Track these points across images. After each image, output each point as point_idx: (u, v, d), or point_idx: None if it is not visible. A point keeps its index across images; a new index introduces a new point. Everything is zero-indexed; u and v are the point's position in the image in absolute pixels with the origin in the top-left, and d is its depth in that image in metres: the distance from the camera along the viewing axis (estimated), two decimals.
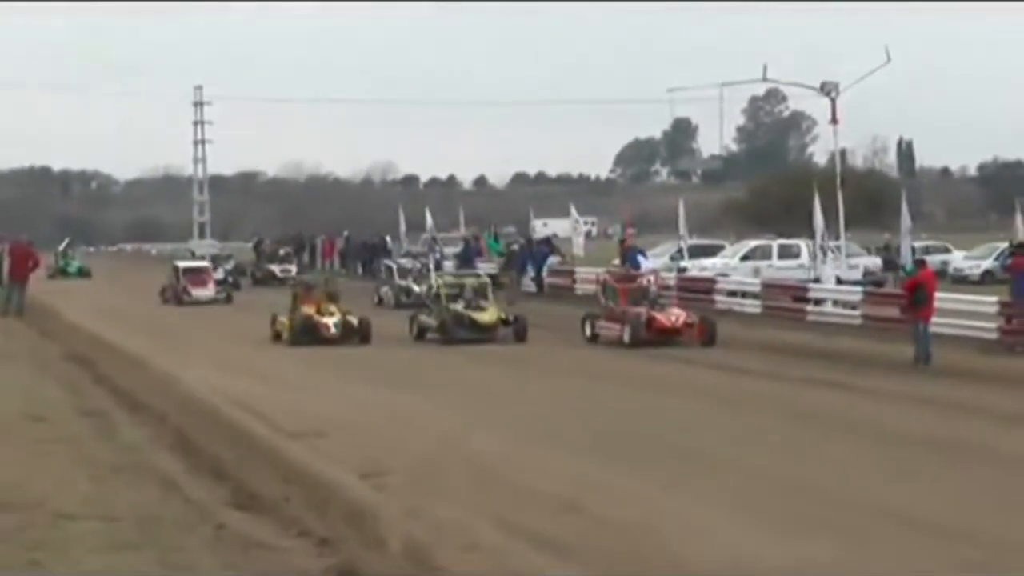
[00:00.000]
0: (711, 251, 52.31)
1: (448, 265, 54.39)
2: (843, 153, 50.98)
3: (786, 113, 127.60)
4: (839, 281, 41.04)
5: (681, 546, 12.54)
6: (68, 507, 14.57)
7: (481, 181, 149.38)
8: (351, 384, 28.06)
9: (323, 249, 76.38)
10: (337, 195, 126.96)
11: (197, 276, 50.25)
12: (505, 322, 33.85)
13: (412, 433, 20.49)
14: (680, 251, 49.25)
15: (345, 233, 78.46)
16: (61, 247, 77.96)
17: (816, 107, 46.60)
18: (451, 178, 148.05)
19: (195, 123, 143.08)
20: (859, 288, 39.77)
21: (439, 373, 28.83)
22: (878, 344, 31.82)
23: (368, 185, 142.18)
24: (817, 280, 41.72)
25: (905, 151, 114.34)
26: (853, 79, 42.98)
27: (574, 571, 11.84)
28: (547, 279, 50.89)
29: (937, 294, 30.73)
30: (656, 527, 13.60)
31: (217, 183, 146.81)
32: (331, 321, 32.75)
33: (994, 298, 33.98)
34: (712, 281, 46.04)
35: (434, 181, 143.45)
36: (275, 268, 65.66)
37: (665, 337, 31.10)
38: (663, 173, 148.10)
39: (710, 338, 31.19)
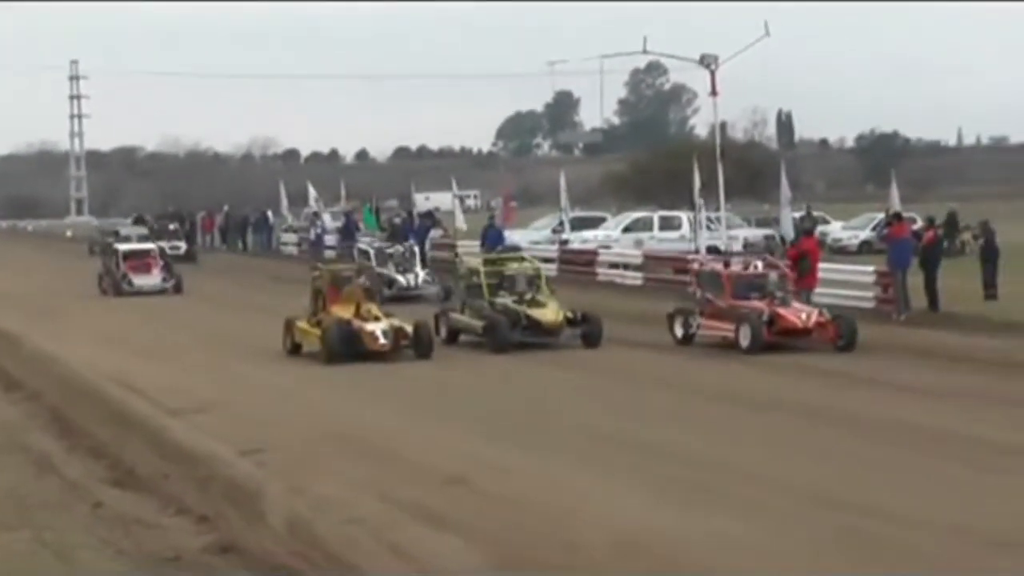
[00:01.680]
0: (593, 223, 52.94)
1: (329, 239, 56.38)
2: (723, 125, 52.14)
3: (667, 86, 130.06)
4: (717, 251, 41.42)
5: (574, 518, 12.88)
6: None
7: (363, 155, 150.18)
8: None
9: (203, 225, 75.31)
10: (217, 170, 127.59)
11: (140, 261, 41.47)
12: (571, 321, 26.15)
13: (297, 411, 20.57)
14: (562, 224, 49.92)
15: (225, 208, 78.35)
16: None
17: (697, 80, 47.79)
18: (333, 152, 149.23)
19: (71, 97, 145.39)
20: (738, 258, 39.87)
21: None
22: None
23: (249, 160, 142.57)
24: (697, 251, 41.83)
25: (784, 123, 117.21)
26: (733, 52, 44.54)
27: (446, 541, 12.29)
28: (429, 252, 50.07)
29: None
30: (538, 500, 14.05)
31: (94, 159, 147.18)
32: (378, 328, 23.60)
33: (871, 268, 35.06)
34: (594, 253, 46.51)
35: (316, 155, 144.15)
36: (164, 245, 57.13)
37: (791, 339, 24.38)
38: (545, 146, 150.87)
39: (848, 341, 24.13)
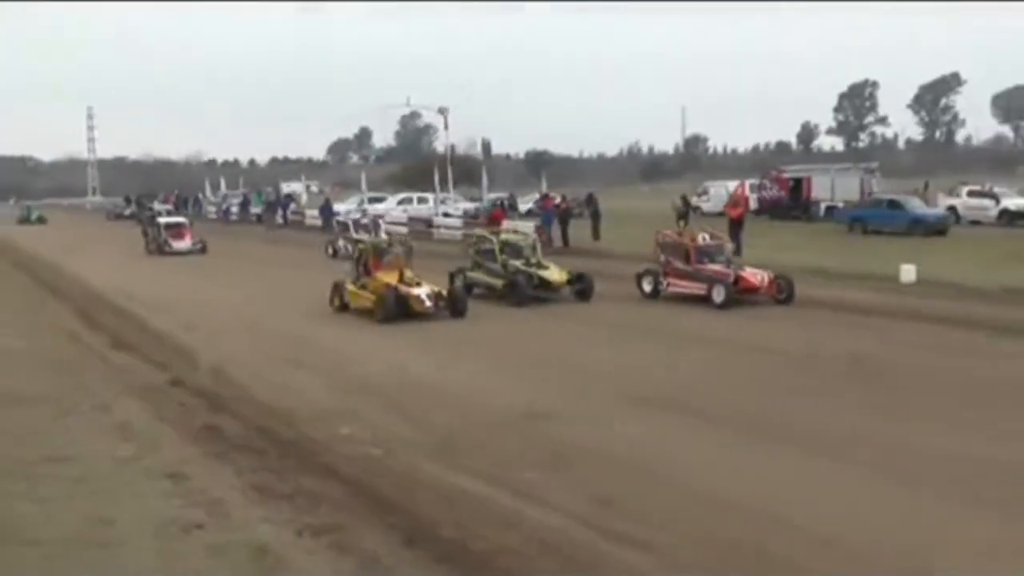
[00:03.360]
0: (380, 200, 61.77)
1: (234, 211, 70.90)
2: (452, 146, 63.24)
3: (422, 124, 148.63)
4: (447, 215, 51.86)
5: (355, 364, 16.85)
6: (14, 347, 18.76)
7: (252, 161, 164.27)
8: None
9: (164, 201, 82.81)
10: (171, 170, 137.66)
11: (176, 231, 44.29)
12: (570, 281, 24.88)
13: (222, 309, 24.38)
14: (362, 200, 58.68)
15: (176, 191, 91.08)
16: None
17: (438, 119, 60.78)
18: (236, 160, 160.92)
19: (88, 127, 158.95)
20: (460, 220, 49.09)
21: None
22: None
23: (189, 164, 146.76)
24: (437, 215, 52.28)
25: (486, 144, 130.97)
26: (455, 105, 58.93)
27: (299, 376, 15.62)
28: (289, 218, 63.50)
29: (505, 223, 38.19)
30: (340, 349, 18.30)
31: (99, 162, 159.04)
32: (423, 293, 21.70)
33: (531, 224, 41.31)
34: (381, 216, 50.99)
35: (225, 162, 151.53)
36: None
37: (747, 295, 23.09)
38: (354, 157, 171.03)
39: (788, 295, 23.16)
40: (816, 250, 33.78)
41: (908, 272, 26.46)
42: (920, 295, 24.14)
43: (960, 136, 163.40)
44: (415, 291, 21.64)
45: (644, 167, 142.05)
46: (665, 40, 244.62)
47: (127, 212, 78.60)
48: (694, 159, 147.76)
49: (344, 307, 22.91)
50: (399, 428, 12.31)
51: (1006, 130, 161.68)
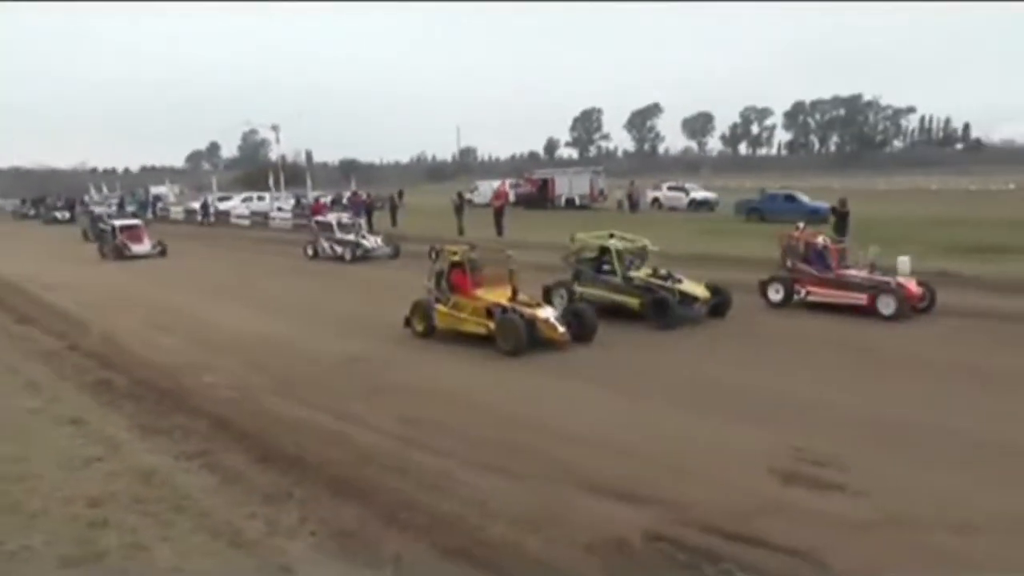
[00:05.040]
0: (228, 198, 58.30)
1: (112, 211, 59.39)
2: (283, 156, 60.27)
3: (259, 138, 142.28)
4: (280, 210, 48.36)
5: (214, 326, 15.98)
6: None
7: (127, 169, 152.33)
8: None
9: None
10: (61, 176, 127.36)
11: (133, 232, 32.20)
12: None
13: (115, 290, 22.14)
14: (210, 198, 55.31)
15: (64, 196, 78.09)
16: None
17: (271, 134, 59.08)
18: (113, 168, 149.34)
19: None
20: (290, 213, 46.14)
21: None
22: (305, 235, 32.69)
23: (75, 172, 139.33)
24: (272, 210, 48.62)
25: (308, 154, 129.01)
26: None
27: (172, 339, 14.91)
28: (159, 213, 57.84)
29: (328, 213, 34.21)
30: (195, 313, 17.14)
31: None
32: (552, 315, 13.41)
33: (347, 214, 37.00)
34: (228, 212, 51.07)
35: (105, 170, 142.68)
36: (57, 213, 59.71)
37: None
38: (206, 165, 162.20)
39: (930, 303, 15.94)
40: (558, 228, 34.20)
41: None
42: None
43: (661, 148, 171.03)
44: (541, 313, 13.41)
45: (429, 171, 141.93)
46: (444, 73, 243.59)
47: (31, 212, 72.22)
48: (467, 165, 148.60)
49: (430, 331, 14.44)
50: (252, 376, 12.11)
51: (692, 144, 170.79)
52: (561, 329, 13.27)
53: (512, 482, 7.73)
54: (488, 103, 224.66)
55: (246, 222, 47.57)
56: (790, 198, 41.03)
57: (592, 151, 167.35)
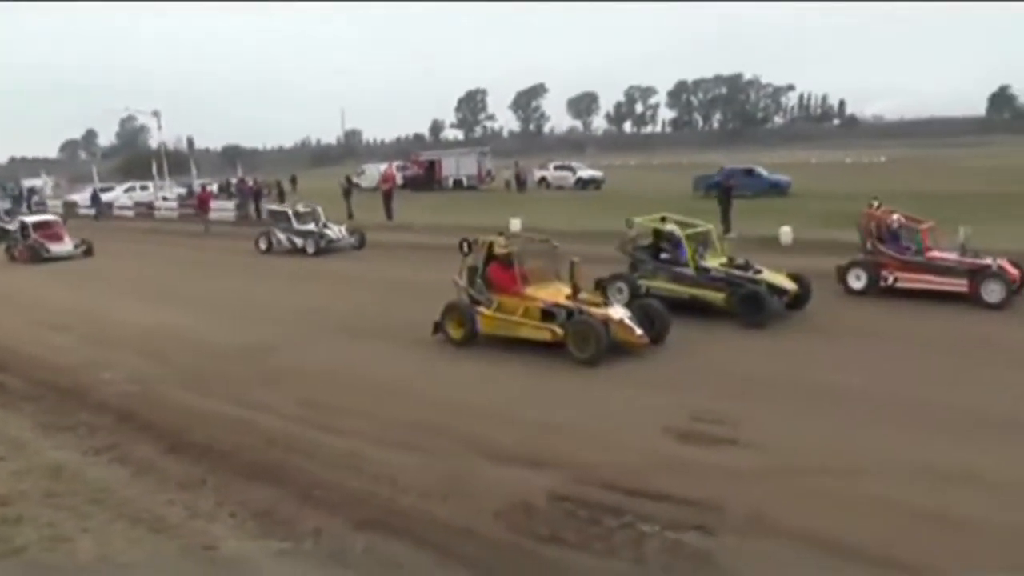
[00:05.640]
0: (110, 189, 53.19)
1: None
2: (164, 144, 56.75)
3: (138, 125, 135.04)
4: (165, 199, 46.51)
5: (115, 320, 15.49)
6: None
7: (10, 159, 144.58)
8: None
9: None
10: None
11: (50, 230, 27.54)
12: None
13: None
14: (98, 189, 50.87)
15: None
16: None
17: (152, 120, 56.53)
18: None
19: None
20: (175, 202, 44.60)
21: None
22: (192, 225, 35.06)
23: None
24: (157, 199, 46.69)
25: (190, 140, 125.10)
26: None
27: (67, 338, 14.44)
28: (34, 207, 50.98)
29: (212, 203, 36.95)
30: (90, 309, 16.25)
31: None
32: (625, 315, 11.64)
33: (232, 203, 39.14)
34: (111, 202, 48.24)
35: None
36: None
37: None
38: (83, 155, 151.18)
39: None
40: (448, 210, 34.38)
41: (515, 224, 26.73)
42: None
43: (546, 128, 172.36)
44: (614, 313, 11.56)
45: (314, 155, 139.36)
46: (326, 55, 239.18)
47: None
48: (353, 148, 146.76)
49: (469, 337, 12.23)
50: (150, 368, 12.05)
51: (577, 123, 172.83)
52: (638, 331, 11.42)
53: (420, 457, 8.00)
54: (372, 85, 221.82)
55: (130, 213, 46.03)
56: (750, 172, 40.51)
57: (478, 132, 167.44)
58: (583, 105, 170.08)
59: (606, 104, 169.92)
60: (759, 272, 13.84)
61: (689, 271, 14.00)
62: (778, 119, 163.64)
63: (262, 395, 10.32)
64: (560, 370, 10.93)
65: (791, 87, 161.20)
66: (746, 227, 23.27)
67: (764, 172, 40.99)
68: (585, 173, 51.55)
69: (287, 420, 9.29)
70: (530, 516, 6.64)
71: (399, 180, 48.39)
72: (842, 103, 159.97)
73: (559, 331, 11.37)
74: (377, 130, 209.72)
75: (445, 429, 8.80)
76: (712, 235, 14.74)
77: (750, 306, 13.18)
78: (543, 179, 51.40)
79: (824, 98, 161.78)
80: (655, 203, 23.78)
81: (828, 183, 43.14)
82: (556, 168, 52.94)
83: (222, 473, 7.83)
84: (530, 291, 12.05)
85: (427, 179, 52.85)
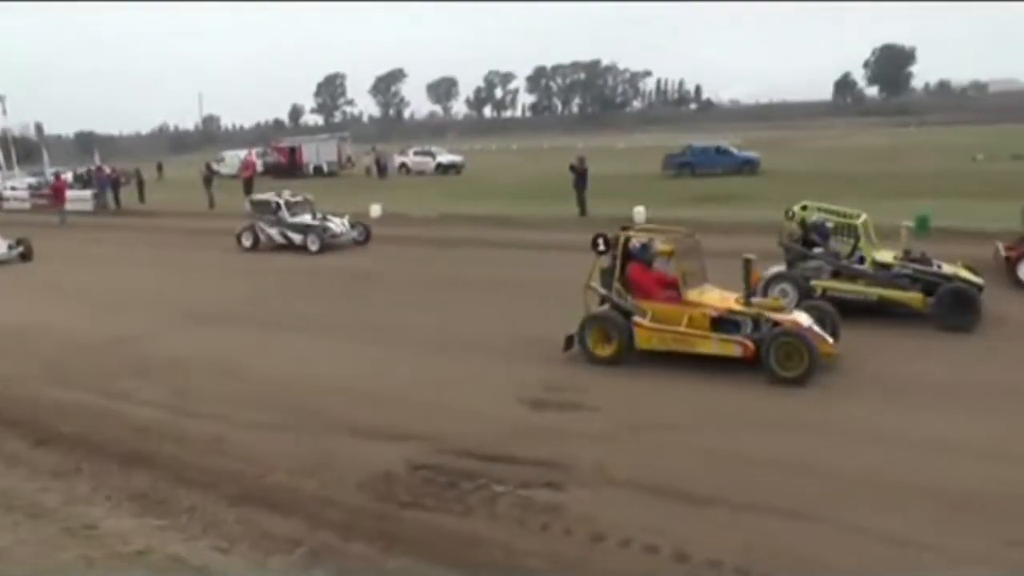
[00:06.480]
0: None
1: None
2: (9, 130, 51.46)
3: None
4: (15, 189, 43.36)
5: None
6: None
7: None
8: None
9: None
10: None
11: None
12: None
13: None
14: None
15: None
16: None
17: None
18: None
19: None
20: (27, 192, 41.83)
21: None
22: (46, 216, 32.75)
23: None
24: (5, 190, 43.36)
25: (39, 126, 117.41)
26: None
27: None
28: None
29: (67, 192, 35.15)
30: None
31: None
32: (812, 323, 9.82)
33: (88, 192, 38.09)
34: None
35: None
36: None
37: None
38: None
39: None
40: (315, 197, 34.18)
41: (375, 209, 27.57)
42: (387, 225, 24.70)
43: (406, 113, 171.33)
44: (802, 319, 9.89)
45: (172, 142, 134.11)
46: (182, 39, 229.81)
47: None
48: (211, 134, 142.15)
49: (622, 354, 10.22)
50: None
51: (438, 108, 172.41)
52: (830, 339, 9.88)
53: (286, 437, 8.35)
54: (230, 70, 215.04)
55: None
56: (721, 150, 40.64)
57: (338, 117, 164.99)
58: (442, 90, 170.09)
59: (466, 89, 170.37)
60: (939, 266, 12.10)
61: (865, 268, 12.13)
62: (637, 104, 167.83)
63: (133, 385, 10.35)
64: (413, 346, 11.58)
65: (648, 73, 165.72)
66: (599, 208, 24.45)
67: (734, 150, 41.52)
68: (445, 158, 52.02)
69: (158, 408, 9.41)
70: (391, 485, 7.11)
71: (260, 167, 47.61)
72: (698, 88, 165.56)
73: (750, 344, 9.59)
74: (236, 115, 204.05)
75: (308, 408, 9.15)
76: (869, 225, 12.54)
77: (958, 307, 11.33)
78: (403, 165, 51.51)
79: (681, 83, 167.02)
80: (517, 188, 24.41)
81: None
82: (416, 154, 53.16)
83: (96, 461, 7.94)
84: (692, 296, 10.11)
85: (288, 166, 52.01)
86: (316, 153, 52.95)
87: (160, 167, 51.14)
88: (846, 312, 11.00)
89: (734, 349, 9.63)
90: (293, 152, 53.40)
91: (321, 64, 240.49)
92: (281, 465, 7.61)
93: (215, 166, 47.42)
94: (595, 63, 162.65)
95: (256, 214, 22.29)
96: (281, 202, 22.01)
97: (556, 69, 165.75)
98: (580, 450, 7.62)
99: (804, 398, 8.94)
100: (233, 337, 12.70)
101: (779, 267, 12.71)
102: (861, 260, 12.26)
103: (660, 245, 10.51)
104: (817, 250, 12.55)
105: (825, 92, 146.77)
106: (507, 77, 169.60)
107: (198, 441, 8.34)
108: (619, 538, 6.00)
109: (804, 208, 12.88)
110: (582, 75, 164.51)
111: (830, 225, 12.66)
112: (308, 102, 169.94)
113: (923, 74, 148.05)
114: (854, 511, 6.20)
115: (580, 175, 25.28)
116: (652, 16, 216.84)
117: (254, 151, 52.75)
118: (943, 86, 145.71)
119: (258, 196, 23.02)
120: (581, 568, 5.72)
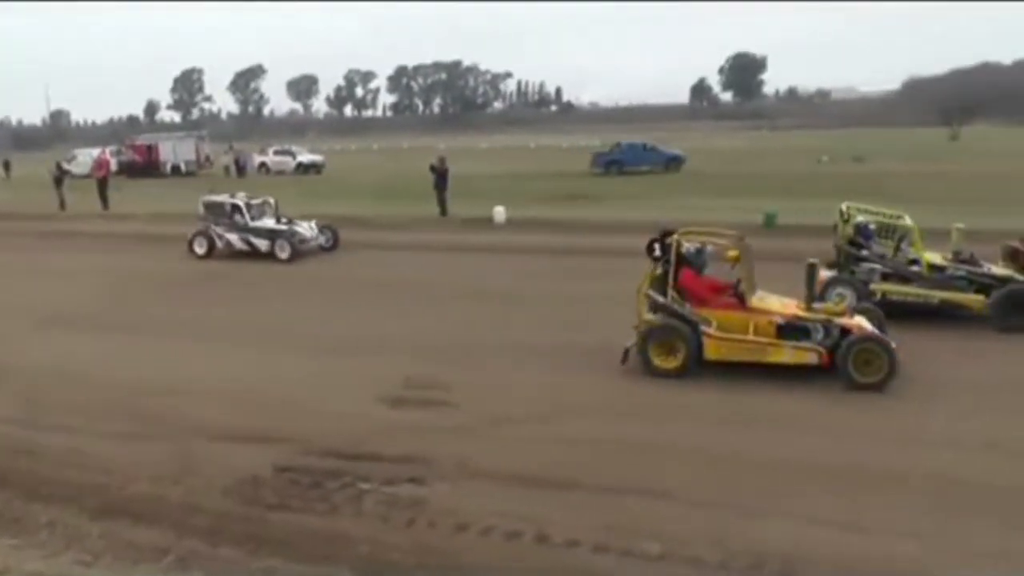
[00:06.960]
0: None
1: None
2: None
3: None
4: None
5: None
6: None
7: None
8: None
9: None
10: None
11: None
12: None
13: None
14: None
15: None
16: None
17: None
18: None
19: None
20: None
21: None
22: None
23: None
24: None
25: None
26: None
27: None
28: None
29: None
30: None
31: None
32: (875, 328, 9.64)
33: None
34: None
35: None
36: None
37: None
38: None
39: None
40: (171, 197, 32.68)
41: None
42: None
43: (266, 110, 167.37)
44: (865, 324, 9.61)
45: (15, 138, 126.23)
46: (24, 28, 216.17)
47: None
48: (61, 130, 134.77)
49: (688, 365, 9.59)
50: None
51: (298, 106, 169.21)
52: (893, 345, 9.24)
53: (147, 445, 8.17)
54: (79, 62, 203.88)
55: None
56: (648, 148, 41.05)
57: (195, 114, 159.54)
58: (303, 88, 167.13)
59: (326, 87, 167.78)
60: (990, 268, 11.92)
61: (919, 270, 11.90)
62: (498, 104, 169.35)
63: None
64: (270, 346, 11.56)
65: (509, 74, 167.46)
66: (460, 208, 24.63)
67: (661, 147, 42.18)
68: (306, 158, 51.28)
69: (7, 423, 8.99)
70: (257, 488, 7.11)
71: (114, 166, 45.66)
72: (559, 90, 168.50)
73: (824, 352, 9.31)
74: (87, 110, 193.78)
75: (169, 414, 8.98)
76: (908, 227, 12.26)
77: (1015, 308, 11.14)
78: (263, 164, 50.34)
79: (541, 85, 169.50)
80: (378, 188, 24.25)
81: (531, 165, 46.01)
82: (276, 153, 52.16)
83: None
84: (754, 303, 9.66)
85: (144, 165, 50.05)
86: (173, 152, 51.13)
87: (7, 165, 48.24)
88: (893, 315, 10.77)
89: (809, 357, 9.31)
90: (150, 151, 51.41)
91: (177, 57, 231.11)
92: (143, 474, 7.46)
93: (66, 165, 45.06)
94: (456, 63, 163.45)
95: (210, 217, 20.05)
96: (240, 204, 19.75)
97: (417, 69, 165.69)
98: (442, 445, 7.81)
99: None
100: (90, 344, 12.23)
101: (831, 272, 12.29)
102: (912, 262, 12.02)
103: (724, 250, 9.80)
104: (863, 252, 12.30)
105: (680, 96, 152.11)
106: (368, 76, 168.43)
107: (54, 454, 8.03)
108: (481, 527, 6.23)
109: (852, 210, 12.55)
110: (443, 75, 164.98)
111: (873, 227, 12.54)
112: (164, 98, 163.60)
113: (773, 81, 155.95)
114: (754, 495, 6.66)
115: (441, 175, 25.39)
116: (512, 15, 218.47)
117: (108, 149, 50.31)
118: (792, 93, 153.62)
119: (212, 197, 20.51)
120: (446, 557, 5.91)
